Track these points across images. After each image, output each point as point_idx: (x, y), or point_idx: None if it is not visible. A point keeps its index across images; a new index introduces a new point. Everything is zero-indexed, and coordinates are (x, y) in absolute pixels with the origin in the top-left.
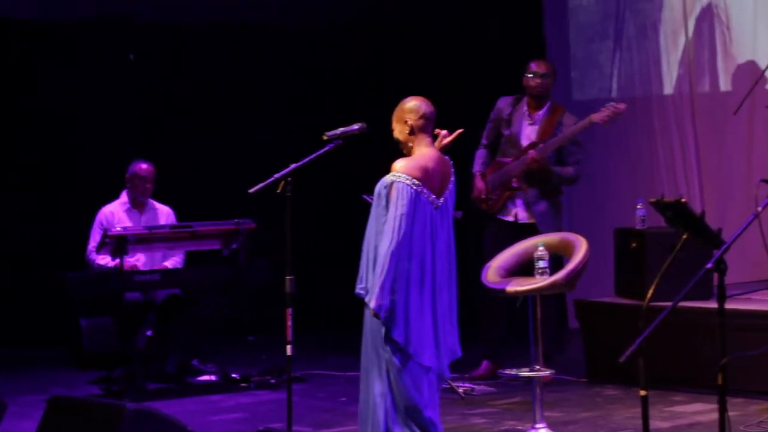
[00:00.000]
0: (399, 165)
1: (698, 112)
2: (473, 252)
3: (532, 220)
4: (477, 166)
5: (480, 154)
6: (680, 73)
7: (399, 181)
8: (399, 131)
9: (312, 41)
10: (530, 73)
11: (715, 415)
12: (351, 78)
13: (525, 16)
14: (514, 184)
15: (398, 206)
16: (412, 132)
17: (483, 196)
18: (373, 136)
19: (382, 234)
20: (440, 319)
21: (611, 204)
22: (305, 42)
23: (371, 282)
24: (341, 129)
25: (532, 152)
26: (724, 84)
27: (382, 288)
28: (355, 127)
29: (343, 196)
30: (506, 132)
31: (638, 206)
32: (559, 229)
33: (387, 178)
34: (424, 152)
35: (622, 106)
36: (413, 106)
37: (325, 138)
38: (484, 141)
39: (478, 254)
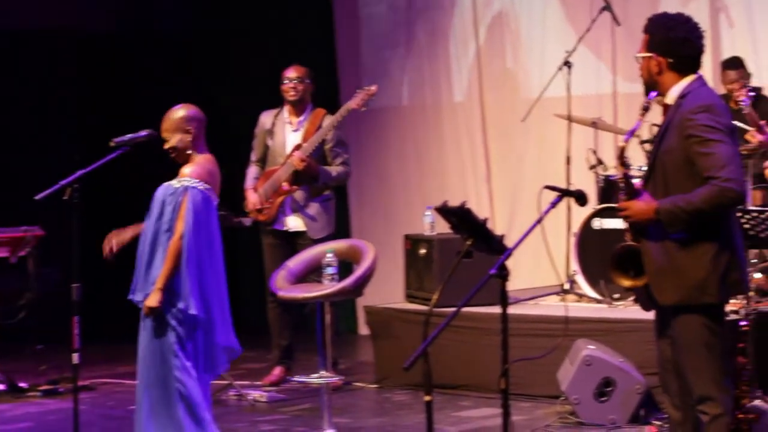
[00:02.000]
0: (190, 171)
1: (488, 119)
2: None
3: (303, 228)
4: (248, 183)
5: (251, 171)
6: (470, 80)
7: (193, 187)
8: (180, 140)
9: (101, 48)
10: (285, 80)
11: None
12: (142, 83)
13: (316, 26)
14: (285, 188)
15: (195, 212)
16: (194, 140)
17: (258, 207)
18: (161, 142)
19: (178, 240)
20: (226, 321)
21: (402, 210)
22: (94, 48)
23: (182, 289)
24: (129, 135)
25: (296, 153)
26: (514, 91)
27: (197, 294)
28: (143, 133)
29: (133, 202)
30: (271, 143)
31: (427, 212)
32: (331, 232)
33: (177, 185)
34: (207, 157)
35: (373, 88)
36: (193, 114)
37: (112, 144)
38: (252, 158)
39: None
